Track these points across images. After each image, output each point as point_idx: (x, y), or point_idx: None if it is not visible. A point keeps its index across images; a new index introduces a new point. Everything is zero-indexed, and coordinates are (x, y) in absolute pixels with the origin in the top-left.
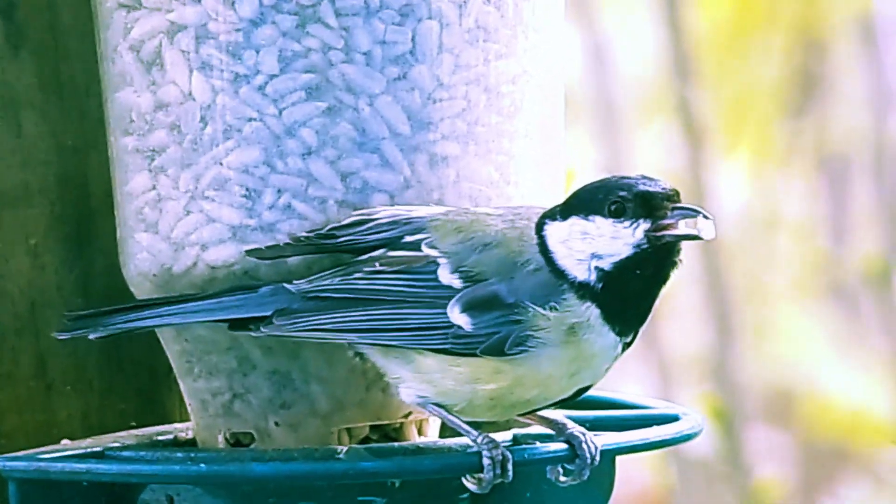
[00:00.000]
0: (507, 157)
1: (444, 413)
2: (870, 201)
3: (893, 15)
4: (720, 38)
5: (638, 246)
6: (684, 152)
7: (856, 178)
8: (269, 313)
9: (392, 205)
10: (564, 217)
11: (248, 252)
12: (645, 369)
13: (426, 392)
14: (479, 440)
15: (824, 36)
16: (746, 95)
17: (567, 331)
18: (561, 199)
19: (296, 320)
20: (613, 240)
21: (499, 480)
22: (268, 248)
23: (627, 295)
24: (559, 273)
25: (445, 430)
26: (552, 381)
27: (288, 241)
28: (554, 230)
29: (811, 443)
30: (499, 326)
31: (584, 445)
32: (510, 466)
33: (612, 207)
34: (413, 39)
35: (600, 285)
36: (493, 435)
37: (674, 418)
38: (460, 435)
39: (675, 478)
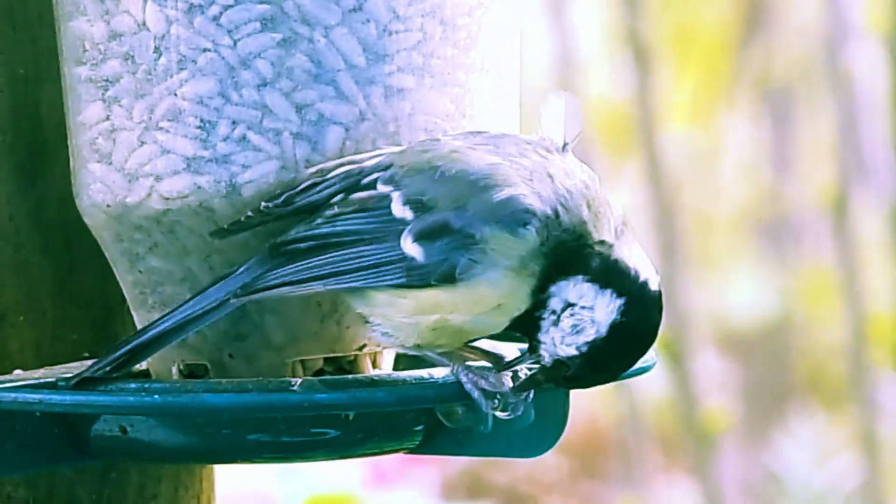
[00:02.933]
0: (463, 89)
1: (419, 350)
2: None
3: None
4: None
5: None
6: (631, 82)
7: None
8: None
9: (346, 139)
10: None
11: (211, 234)
12: None
13: (383, 327)
14: (455, 370)
15: None
16: (693, 24)
17: (518, 260)
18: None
19: (264, 279)
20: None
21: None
22: (230, 224)
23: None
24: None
25: (399, 364)
26: (482, 307)
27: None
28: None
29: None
30: (448, 253)
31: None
32: (495, 381)
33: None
34: None
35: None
36: (473, 363)
37: None
38: (416, 367)
39: (623, 407)
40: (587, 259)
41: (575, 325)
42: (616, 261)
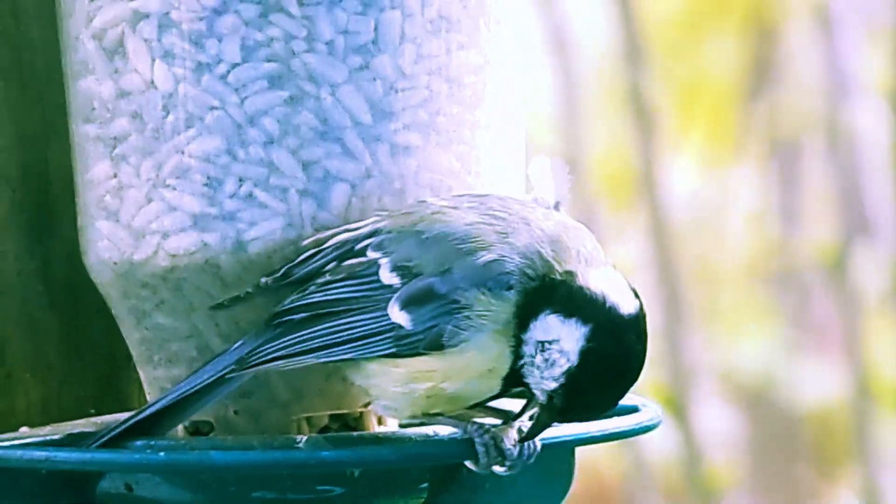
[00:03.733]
0: (469, 147)
1: (421, 418)
2: (821, 188)
3: (846, 1)
4: (674, 23)
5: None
6: (636, 137)
7: (807, 165)
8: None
9: (352, 196)
10: (543, 310)
11: (211, 307)
12: None
13: (382, 399)
14: (468, 429)
15: (777, 21)
16: (699, 80)
17: (503, 323)
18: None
19: (259, 353)
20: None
21: (502, 461)
22: (229, 300)
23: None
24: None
25: (404, 421)
26: (473, 372)
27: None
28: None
29: (762, 427)
30: (435, 319)
31: (524, 444)
32: (507, 444)
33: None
34: (375, 29)
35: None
36: (481, 420)
37: (633, 409)
38: (422, 425)
39: (628, 461)
40: (549, 292)
41: (547, 360)
42: (580, 288)
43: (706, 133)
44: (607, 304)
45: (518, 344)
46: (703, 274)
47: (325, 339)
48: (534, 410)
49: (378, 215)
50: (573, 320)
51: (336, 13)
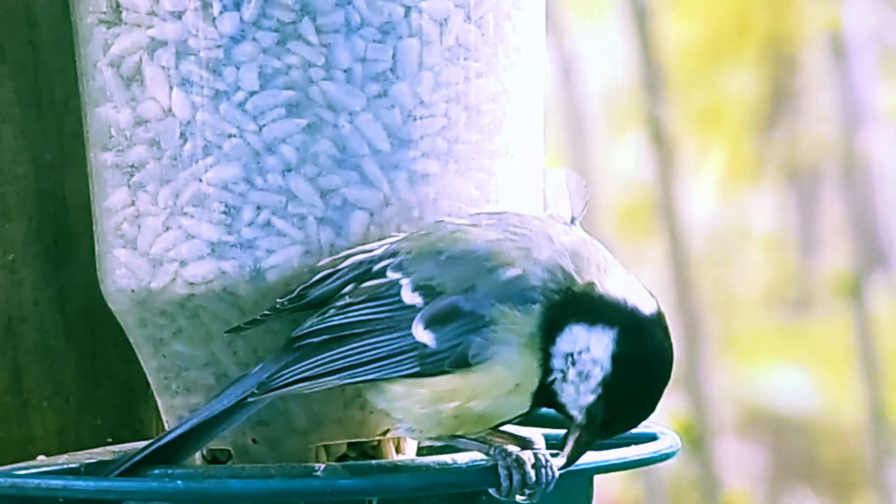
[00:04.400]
0: (488, 174)
1: (451, 438)
2: (839, 215)
3: (863, 30)
4: (691, 51)
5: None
6: (654, 164)
7: (825, 192)
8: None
9: (370, 224)
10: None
11: (227, 331)
12: None
13: (406, 422)
14: (492, 452)
15: (795, 50)
16: (717, 108)
17: (528, 336)
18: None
19: (279, 377)
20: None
21: (523, 487)
22: (245, 323)
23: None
24: (540, 299)
25: (423, 449)
26: (500, 389)
27: (270, 311)
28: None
29: (780, 456)
30: (460, 337)
31: (542, 470)
32: (529, 469)
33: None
34: (394, 57)
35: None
36: (506, 446)
37: (651, 437)
38: (440, 452)
39: (644, 490)
40: (573, 304)
41: (581, 372)
42: (600, 296)
43: (724, 161)
44: (629, 306)
45: (546, 358)
46: (721, 301)
47: (347, 360)
48: (571, 435)
49: (393, 236)
50: (598, 326)
51: (354, 41)
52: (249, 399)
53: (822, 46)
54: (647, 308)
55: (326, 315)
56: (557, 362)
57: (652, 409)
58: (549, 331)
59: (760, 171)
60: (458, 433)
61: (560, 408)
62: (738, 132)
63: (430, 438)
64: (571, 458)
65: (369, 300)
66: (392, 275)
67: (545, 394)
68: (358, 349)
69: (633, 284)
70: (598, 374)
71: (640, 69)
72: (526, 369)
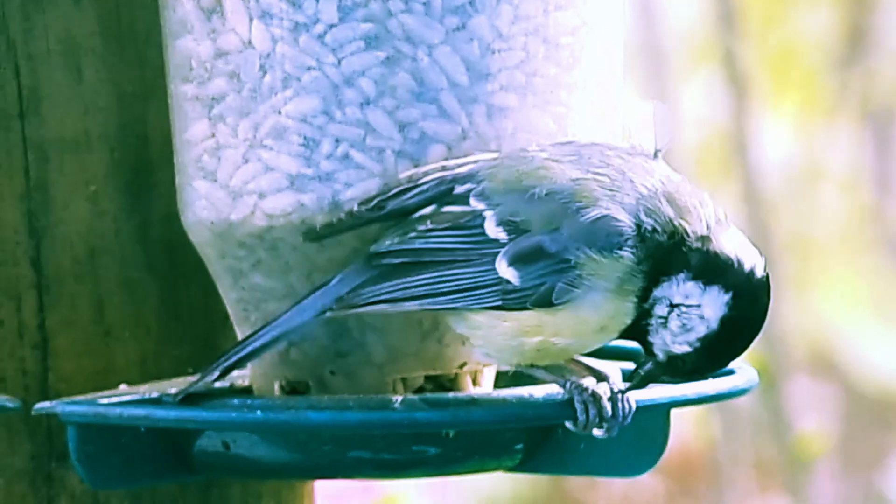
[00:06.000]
0: (566, 108)
1: (527, 368)
2: None
3: None
4: None
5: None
6: (729, 103)
7: None
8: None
9: (448, 157)
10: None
11: (304, 235)
12: None
13: (485, 348)
14: (567, 386)
15: None
16: (793, 47)
17: (617, 282)
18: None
19: (359, 294)
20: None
21: (600, 422)
22: (323, 227)
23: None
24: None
25: (499, 382)
26: (587, 329)
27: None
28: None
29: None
30: (544, 277)
31: (618, 405)
32: (605, 403)
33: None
34: None
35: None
36: (579, 379)
37: (729, 372)
38: (517, 385)
39: (718, 429)
40: (685, 256)
41: (684, 325)
42: (716, 254)
43: (800, 100)
44: (745, 270)
45: (644, 298)
46: (797, 241)
47: (429, 287)
48: (644, 366)
49: (475, 156)
50: (715, 288)
51: None
52: (328, 314)
53: None
54: (759, 270)
55: (407, 236)
56: (659, 309)
57: (734, 359)
58: (652, 275)
59: (836, 110)
60: (537, 363)
61: (646, 344)
62: (814, 71)
63: (511, 365)
64: (634, 387)
65: (452, 228)
66: (476, 203)
67: (633, 330)
68: (440, 278)
69: (744, 241)
70: (701, 331)
71: (715, 7)
72: (615, 313)
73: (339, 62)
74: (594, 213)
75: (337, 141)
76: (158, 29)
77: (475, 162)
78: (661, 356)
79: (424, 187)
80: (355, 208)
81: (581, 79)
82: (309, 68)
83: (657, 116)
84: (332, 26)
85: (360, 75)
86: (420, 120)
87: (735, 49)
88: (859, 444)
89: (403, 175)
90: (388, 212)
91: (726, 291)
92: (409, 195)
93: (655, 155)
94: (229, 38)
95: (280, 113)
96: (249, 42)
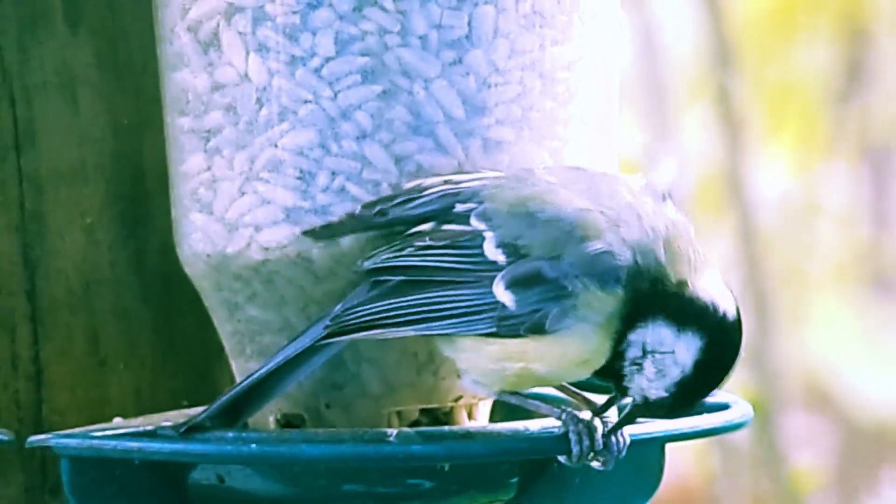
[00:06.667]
0: (562, 142)
1: (521, 398)
2: None
3: None
4: (764, 25)
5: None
6: (725, 139)
7: None
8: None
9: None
10: (652, 317)
11: (304, 233)
12: None
13: (471, 373)
14: (562, 417)
15: (869, 24)
16: (790, 82)
17: (607, 317)
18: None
19: (355, 312)
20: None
21: (592, 454)
22: (322, 227)
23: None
24: (623, 275)
25: (495, 415)
26: (568, 361)
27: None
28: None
29: (849, 431)
30: (541, 303)
31: (613, 438)
32: (598, 437)
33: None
34: (469, 24)
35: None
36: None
37: (724, 406)
38: (514, 418)
39: (716, 463)
40: (663, 301)
41: (660, 371)
42: (692, 299)
43: (796, 135)
44: (719, 314)
45: (619, 341)
46: (792, 277)
47: (426, 311)
48: (620, 406)
49: (480, 173)
50: (689, 333)
51: (430, 7)
52: (325, 341)
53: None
54: (732, 312)
55: (403, 252)
56: (633, 352)
57: (708, 395)
58: (630, 318)
59: (833, 146)
60: (515, 389)
61: (620, 387)
62: (811, 107)
63: (497, 394)
64: (617, 427)
65: (451, 247)
66: (476, 223)
67: (608, 371)
68: (436, 300)
69: (719, 283)
70: (676, 375)
71: (711, 41)
72: (598, 348)
73: (336, 95)
74: (598, 245)
75: (333, 174)
76: (155, 61)
77: (480, 179)
78: (636, 398)
79: (428, 198)
80: (357, 211)
81: (577, 113)
82: (305, 101)
83: (680, 173)
84: (328, 60)
85: (356, 109)
86: (416, 153)
87: (732, 84)
88: (854, 477)
89: (409, 185)
90: (391, 219)
91: (700, 337)
92: (412, 204)
93: (666, 197)
94: (226, 71)
95: (276, 146)
96: (246, 75)
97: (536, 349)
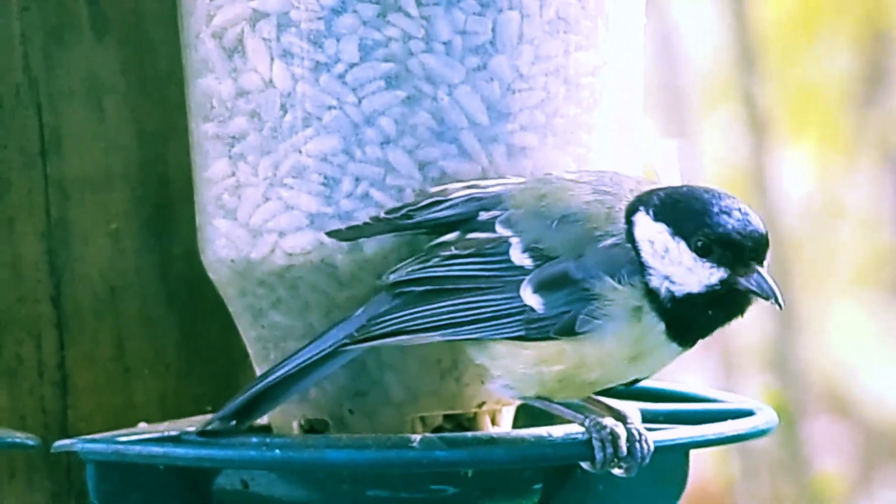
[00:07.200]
0: (586, 149)
1: (546, 403)
2: None
3: None
4: (787, 29)
5: (710, 287)
6: (748, 142)
7: None
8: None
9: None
10: (656, 218)
11: (329, 233)
12: (706, 360)
13: (505, 378)
14: (586, 423)
15: (891, 28)
16: (813, 86)
17: (633, 310)
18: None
19: (380, 323)
20: (689, 272)
21: (615, 461)
22: (348, 228)
23: (692, 321)
24: (639, 263)
25: (518, 421)
26: (613, 360)
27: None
28: (643, 224)
29: (871, 436)
30: (569, 305)
31: (636, 445)
32: (622, 443)
33: (699, 244)
34: (493, 30)
35: (668, 305)
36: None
37: (748, 413)
38: (536, 424)
39: (737, 469)
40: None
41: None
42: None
43: (819, 138)
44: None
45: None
46: (815, 280)
47: (451, 316)
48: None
49: (505, 179)
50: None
51: (454, 13)
52: (349, 346)
53: None
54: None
55: (429, 264)
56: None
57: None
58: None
59: (855, 149)
60: (558, 395)
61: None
62: (833, 110)
63: (525, 398)
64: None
65: (476, 255)
66: (501, 230)
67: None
68: (462, 306)
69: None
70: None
71: (734, 46)
72: (639, 336)
73: (360, 101)
74: (609, 240)
75: (357, 180)
76: (180, 68)
77: (503, 185)
78: (663, 292)
79: (454, 201)
80: (382, 214)
81: (601, 119)
82: (329, 107)
83: (681, 155)
84: (352, 65)
85: (380, 114)
86: (440, 159)
87: (755, 88)
88: (876, 482)
89: (435, 189)
90: (415, 222)
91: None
92: (437, 208)
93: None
94: (250, 77)
95: (300, 152)
96: (270, 81)
97: (574, 351)
